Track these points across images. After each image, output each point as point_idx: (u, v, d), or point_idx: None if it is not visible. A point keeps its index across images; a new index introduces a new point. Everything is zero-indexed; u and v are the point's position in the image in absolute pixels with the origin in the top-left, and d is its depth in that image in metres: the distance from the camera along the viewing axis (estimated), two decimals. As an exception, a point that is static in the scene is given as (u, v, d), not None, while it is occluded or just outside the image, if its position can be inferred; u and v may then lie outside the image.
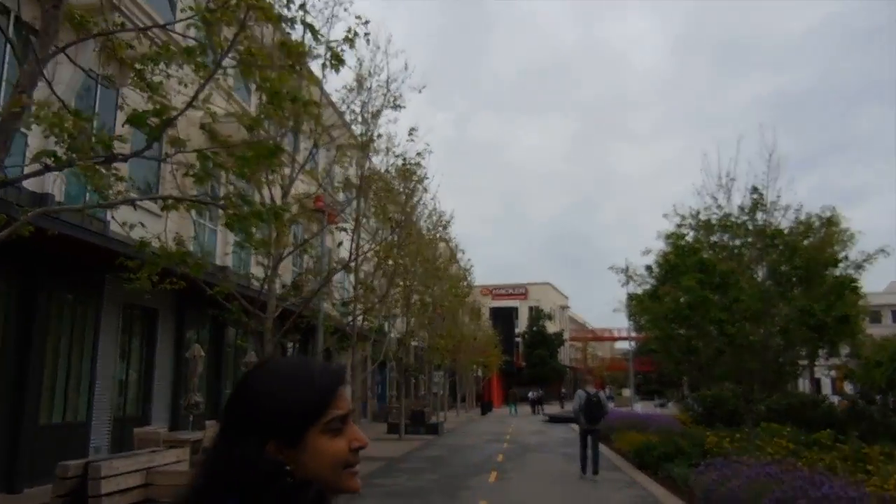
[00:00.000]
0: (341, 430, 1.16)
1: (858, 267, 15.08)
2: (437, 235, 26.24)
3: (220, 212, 7.32)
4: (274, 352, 10.34)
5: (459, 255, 32.01)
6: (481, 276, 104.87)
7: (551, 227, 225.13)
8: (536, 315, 68.27)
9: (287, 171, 10.37)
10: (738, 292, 12.29)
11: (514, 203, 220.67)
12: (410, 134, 13.11)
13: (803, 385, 32.91)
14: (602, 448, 17.82)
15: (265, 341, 10.35)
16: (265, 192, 10.39)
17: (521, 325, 69.44)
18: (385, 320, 21.79)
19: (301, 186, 12.81)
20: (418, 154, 14.65)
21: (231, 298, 10.15)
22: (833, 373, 34.25)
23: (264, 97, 5.70)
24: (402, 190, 16.36)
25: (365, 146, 12.46)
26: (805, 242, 13.84)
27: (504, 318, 61.83)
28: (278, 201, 10.51)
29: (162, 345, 13.44)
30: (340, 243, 13.40)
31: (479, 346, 40.93)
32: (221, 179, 10.77)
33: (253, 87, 7.12)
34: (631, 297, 18.69)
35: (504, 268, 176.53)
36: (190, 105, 4.85)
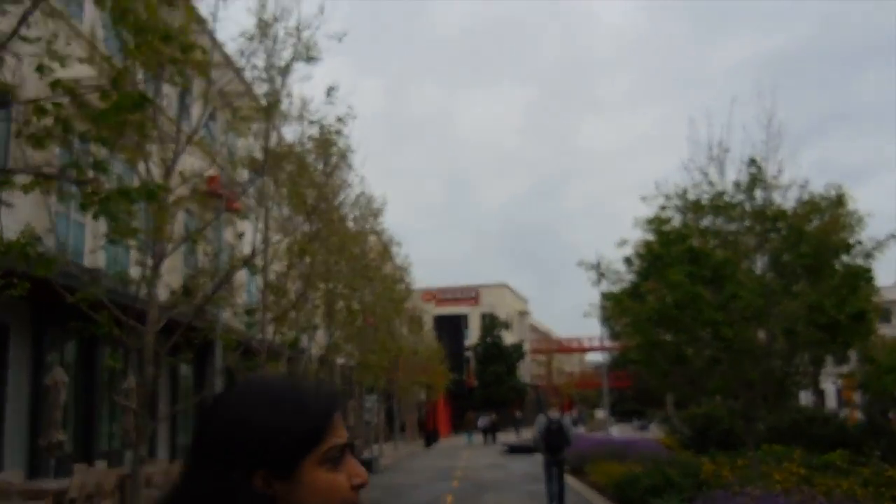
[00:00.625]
0: (340, 463, 1.19)
1: (868, 256, 15.29)
2: (367, 226, 26.03)
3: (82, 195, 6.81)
4: (157, 373, 9.77)
5: (395, 251, 31.95)
6: (423, 277, 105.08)
7: (506, 216, 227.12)
8: (490, 323, 68.82)
9: (164, 144, 9.78)
10: (736, 287, 12.30)
11: (460, 189, 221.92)
12: (329, 94, 12.64)
13: (806, 398, 33.53)
14: (574, 482, 17.66)
15: (145, 361, 9.80)
16: (143, 168, 9.80)
17: (473, 335, 70.14)
18: (302, 332, 21.51)
19: (192, 163, 12.23)
20: (339, 120, 14.16)
21: (100, 307, 9.54)
22: (839, 382, 34.98)
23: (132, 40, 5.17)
24: (319, 168, 15.98)
25: (271, 110, 11.92)
26: (811, 226, 13.94)
27: (451, 327, 61.97)
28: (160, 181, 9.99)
29: (15, 369, 12.91)
30: (241, 235, 12.86)
31: (421, 362, 40.89)
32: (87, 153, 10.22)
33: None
34: (606, 296, 18.76)
35: (451, 267, 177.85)
36: (15, 35, 4.29)
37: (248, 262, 12.07)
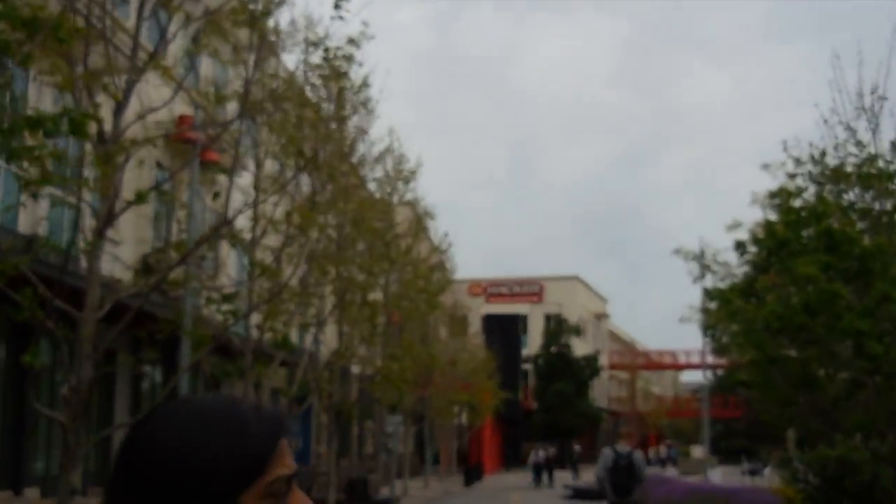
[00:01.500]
0: (286, 497, 1.27)
1: None
2: (394, 193, 25.88)
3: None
4: (95, 375, 9.57)
5: (431, 227, 31.72)
6: (471, 264, 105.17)
7: (581, 191, 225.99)
8: (557, 328, 69.12)
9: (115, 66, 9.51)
10: (889, 286, 11.82)
11: (524, 155, 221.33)
12: (338, 6, 12.19)
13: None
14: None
15: (83, 356, 9.62)
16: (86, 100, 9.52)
17: (533, 342, 70.53)
18: (304, 330, 21.50)
19: (157, 96, 11.97)
20: (351, 41, 13.76)
21: (22, 283, 9.35)
22: None
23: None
24: (328, 109, 15.75)
25: (258, 20, 11.52)
26: None
27: (505, 331, 61.84)
28: (109, 120, 9.76)
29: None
30: (216, 195, 12.62)
31: (463, 375, 40.78)
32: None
33: None
34: (710, 294, 18.30)
35: (508, 254, 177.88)
36: None
37: (224, 231, 11.77)
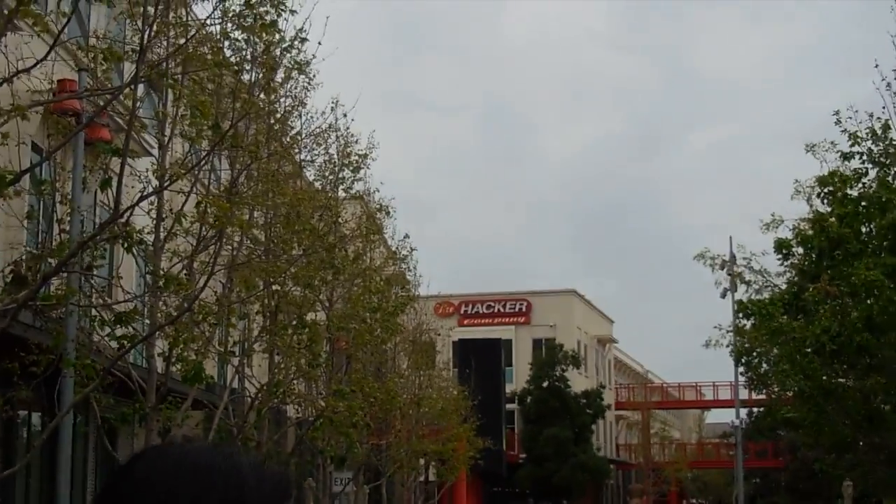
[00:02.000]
0: None
1: None
2: (339, 181, 25.75)
3: None
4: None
5: (388, 227, 31.59)
6: (440, 278, 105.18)
7: (578, 182, 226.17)
8: (549, 356, 69.66)
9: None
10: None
11: (506, 136, 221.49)
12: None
13: None
14: None
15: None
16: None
17: (519, 375, 71.05)
18: (225, 360, 21.32)
19: (30, 52, 11.76)
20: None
21: None
22: None
23: None
24: (248, 69, 15.62)
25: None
26: None
27: (484, 360, 61.62)
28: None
29: None
30: (106, 183, 12.38)
31: (431, 418, 40.62)
32: None
33: None
34: (744, 309, 18.15)
35: (487, 263, 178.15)
36: None
37: (117, 230, 11.57)
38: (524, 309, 75.61)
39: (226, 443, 19.91)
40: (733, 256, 30.92)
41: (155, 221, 16.18)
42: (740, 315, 21.62)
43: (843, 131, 14.76)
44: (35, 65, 10.73)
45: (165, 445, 1.39)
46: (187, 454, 1.34)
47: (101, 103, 11.92)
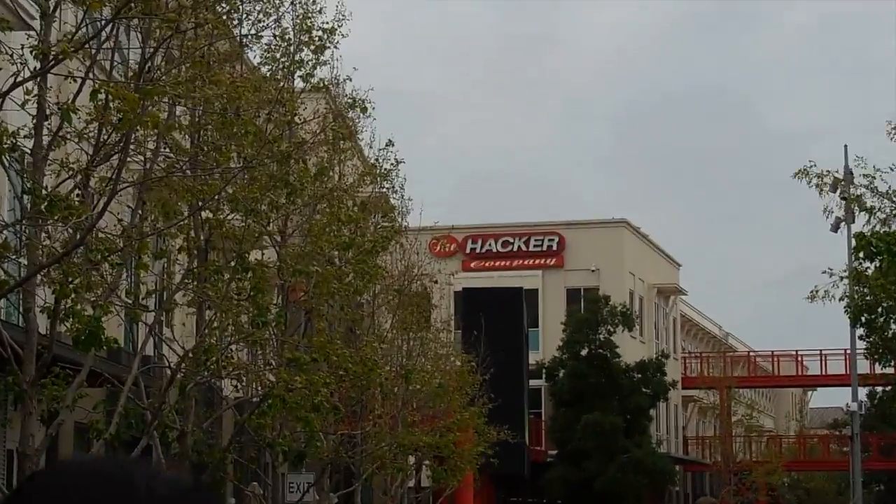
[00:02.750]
0: None
1: None
2: (296, 66, 25.72)
3: None
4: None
5: (365, 131, 32.12)
6: (438, 203, 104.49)
7: (628, 74, 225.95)
8: (591, 311, 70.36)
9: None
10: None
11: (531, 5, 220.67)
12: None
13: None
14: None
15: None
16: None
17: (548, 339, 72.77)
18: (134, 316, 21.48)
19: None
20: None
21: None
22: None
23: None
24: None
25: None
26: None
27: (499, 319, 61.77)
28: None
29: None
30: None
31: (425, 399, 40.77)
32: None
33: None
34: (865, 246, 17.96)
35: (502, 184, 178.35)
36: None
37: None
38: (555, 247, 75.88)
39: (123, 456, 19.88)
40: (850, 173, 30.39)
41: (35, 120, 16.06)
42: (860, 255, 21.54)
43: None
44: None
45: (57, 464, 1.47)
46: (79, 468, 1.45)
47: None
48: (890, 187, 18.32)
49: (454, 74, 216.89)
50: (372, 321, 35.96)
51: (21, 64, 15.47)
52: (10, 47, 15.78)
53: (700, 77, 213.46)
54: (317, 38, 26.02)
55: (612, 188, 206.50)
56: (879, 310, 22.81)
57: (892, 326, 21.35)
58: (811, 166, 28.89)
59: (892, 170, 18.33)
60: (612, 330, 68.52)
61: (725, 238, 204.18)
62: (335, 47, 26.91)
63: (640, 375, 68.80)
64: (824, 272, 38.08)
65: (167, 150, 19.89)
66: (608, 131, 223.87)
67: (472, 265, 72.79)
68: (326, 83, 28.72)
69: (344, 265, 27.02)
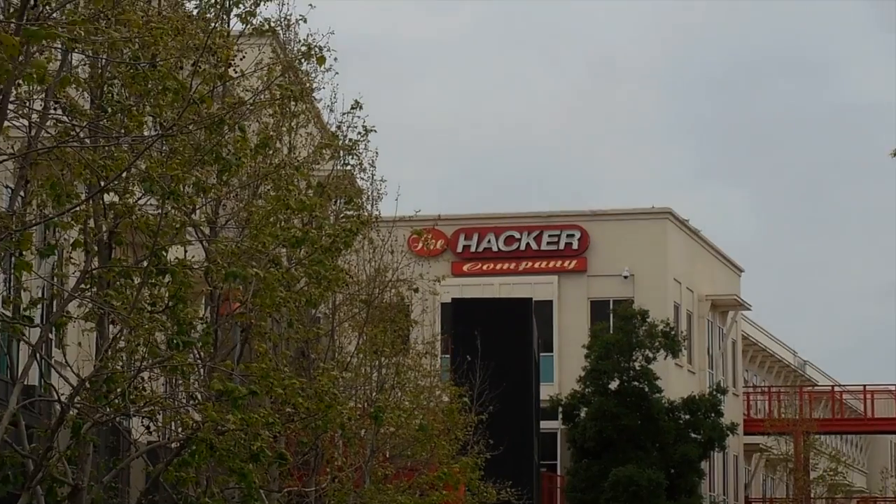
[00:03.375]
0: None
1: None
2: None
3: None
4: None
5: (320, 84, 32.41)
6: (424, 190, 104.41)
7: (671, 18, 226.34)
8: (624, 330, 70.31)
9: None
10: None
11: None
12: None
13: None
14: None
15: None
16: None
17: (566, 366, 73.58)
18: (17, 331, 21.56)
19: None
20: None
21: None
22: None
23: None
24: None
25: None
26: None
27: (500, 338, 61.96)
28: None
29: None
30: None
31: (402, 445, 40.79)
32: None
33: None
34: None
35: (508, 163, 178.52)
36: None
37: None
38: (576, 245, 76.20)
39: None
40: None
41: None
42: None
43: None
44: None
45: None
46: None
47: None
48: None
49: (447, 20, 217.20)
50: (331, 342, 36.01)
51: None
52: None
53: (769, 37, 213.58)
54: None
55: (651, 169, 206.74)
56: None
57: None
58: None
59: None
60: (651, 356, 68.59)
61: (802, 236, 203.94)
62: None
63: (688, 416, 68.87)
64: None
65: (58, 111, 19.89)
66: (648, 99, 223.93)
67: (466, 268, 72.90)
68: (273, 25, 28.75)
69: (294, 267, 27.02)
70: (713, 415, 70.07)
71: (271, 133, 26.85)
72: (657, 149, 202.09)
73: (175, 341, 21.87)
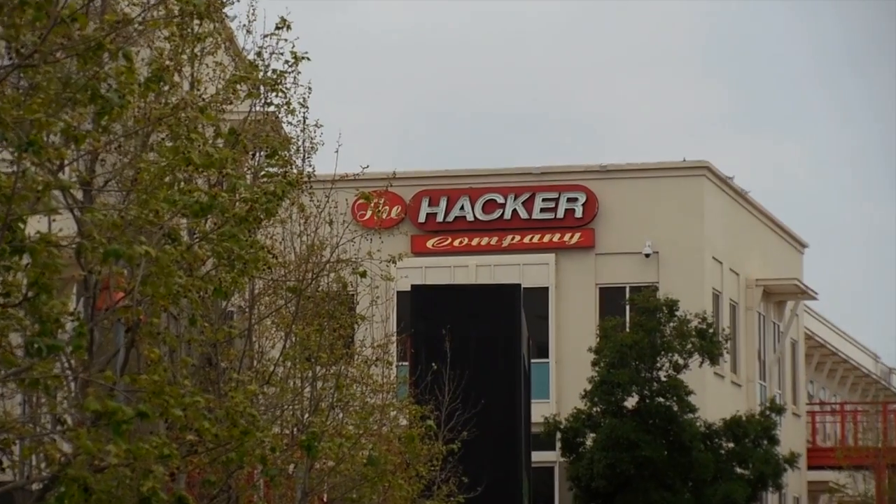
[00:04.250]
0: None
1: None
2: None
3: None
4: None
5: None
6: (375, 142, 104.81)
7: None
8: (648, 325, 71.03)
9: None
10: None
11: None
12: None
13: None
14: None
15: None
16: None
17: (566, 375, 75.15)
18: None
19: None
20: None
21: None
22: None
23: None
24: None
25: None
26: None
27: (478, 338, 62.13)
28: None
29: None
30: None
31: (345, 487, 41.07)
32: None
33: None
34: None
35: (497, 103, 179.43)
36: None
37: None
38: (580, 212, 76.92)
39: None
40: None
41: None
42: None
43: None
44: None
45: None
46: None
47: None
48: None
49: None
50: (248, 345, 36.12)
51: None
52: None
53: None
54: None
55: (682, 112, 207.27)
56: None
57: None
58: None
59: None
60: (682, 362, 68.88)
61: (885, 200, 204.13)
62: None
63: (732, 445, 69.18)
64: None
65: None
66: (677, 16, 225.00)
67: (430, 244, 72.96)
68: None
69: (198, 244, 27.10)
70: (766, 442, 70.32)
71: (167, 62, 26.89)
72: (690, 85, 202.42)
73: (36, 345, 21.93)
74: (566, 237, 75.54)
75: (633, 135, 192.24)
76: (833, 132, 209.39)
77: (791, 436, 76.77)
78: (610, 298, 73.26)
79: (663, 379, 67.92)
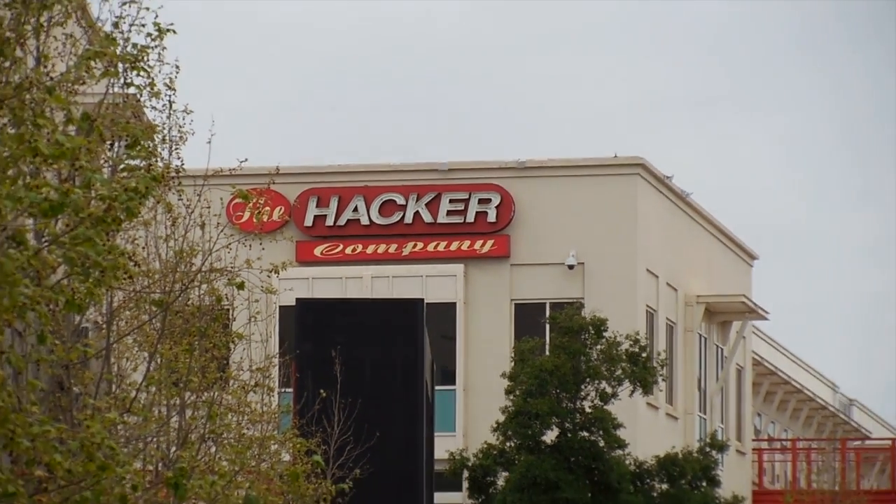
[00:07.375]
0: None
1: None
2: None
3: None
4: None
5: None
6: (259, 132, 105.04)
7: None
8: (571, 347, 71.16)
9: None
10: None
11: None
12: None
13: None
14: None
15: None
16: None
17: (474, 403, 76.32)
18: None
19: None
20: None
21: None
22: None
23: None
24: None
25: None
26: None
27: (374, 364, 62.32)
28: None
29: None
30: None
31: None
32: None
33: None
34: None
35: (400, 86, 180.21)
36: None
37: None
38: (494, 216, 77.54)
39: None
40: None
41: None
42: None
43: None
44: None
45: None
46: None
47: None
48: None
49: None
50: (106, 367, 36.07)
51: None
52: None
53: None
54: None
55: (612, 101, 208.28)
56: None
57: None
58: None
59: None
60: (609, 391, 69.16)
61: (845, 207, 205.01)
62: None
63: (665, 486, 69.52)
64: None
65: None
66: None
67: (319, 252, 73.10)
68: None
69: (47, 248, 27.04)
70: (705, 483, 70.76)
71: (7, 34, 26.84)
72: (623, 68, 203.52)
73: None
74: (477, 245, 75.65)
75: (554, 128, 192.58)
76: (793, 125, 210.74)
77: (734, 477, 77.26)
78: (527, 316, 73.45)
79: (588, 410, 68.16)
